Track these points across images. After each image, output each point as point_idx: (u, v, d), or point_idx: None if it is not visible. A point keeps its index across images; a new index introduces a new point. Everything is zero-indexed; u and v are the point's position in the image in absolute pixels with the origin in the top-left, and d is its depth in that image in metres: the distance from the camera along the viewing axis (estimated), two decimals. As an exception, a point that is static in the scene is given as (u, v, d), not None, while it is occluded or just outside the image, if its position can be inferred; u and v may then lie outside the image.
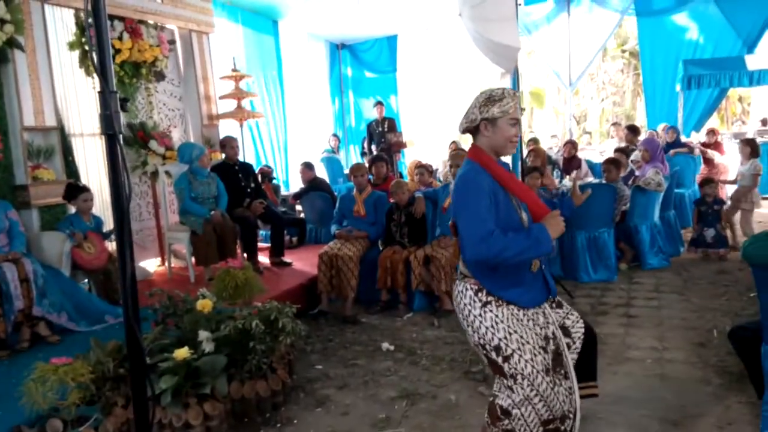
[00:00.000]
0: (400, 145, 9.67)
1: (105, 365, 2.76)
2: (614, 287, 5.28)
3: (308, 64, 10.97)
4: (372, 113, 10.48)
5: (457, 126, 2.31)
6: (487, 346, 2.16)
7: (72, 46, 5.42)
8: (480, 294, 2.18)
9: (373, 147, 10.02)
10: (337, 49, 11.93)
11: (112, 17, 5.55)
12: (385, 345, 4.14)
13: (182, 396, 2.84)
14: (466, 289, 2.21)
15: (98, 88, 5.45)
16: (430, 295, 4.95)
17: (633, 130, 8.68)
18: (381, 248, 5.23)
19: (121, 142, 1.54)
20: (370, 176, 6.49)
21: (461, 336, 4.21)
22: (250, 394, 3.06)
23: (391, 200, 5.37)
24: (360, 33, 11.26)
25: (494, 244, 1.99)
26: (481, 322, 2.16)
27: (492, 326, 2.14)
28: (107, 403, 2.78)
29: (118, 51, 5.59)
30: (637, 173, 6.39)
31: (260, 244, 6.11)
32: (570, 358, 2.25)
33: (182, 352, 2.86)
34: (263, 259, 6.01)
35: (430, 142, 11.45)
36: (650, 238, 5.88)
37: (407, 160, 10.26)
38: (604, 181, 5.94)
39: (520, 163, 5.28)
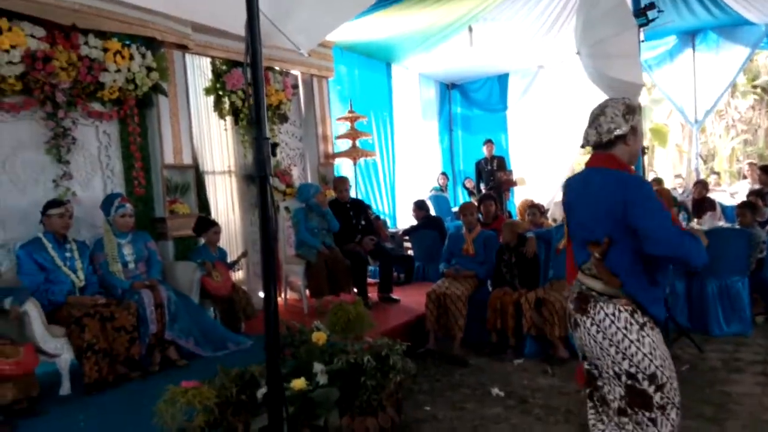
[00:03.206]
0: (510, 183, 9.52)
1: (229, 390, 2.92)
2: (750, 342, 4.81)
3: (418, 103, 11.18)
4: (481, 151, 10.45)
5: (583, 142, 2.18)
6: (640, 375, 1.99)
7: (208, 91, 5.95)
8: (636, 315, 2.02)
9: (482, 185, 9.94)
10: (447, 89, 12.08)
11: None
12: (495, 390, 4.03)
13: (297, 426, 2.92)
14: (620, 312, 2.03)
15: (230, 130, 5.84)
16: (542, 341, 4.75)
17: (767, 171, 7.96)
18: (491, 289, 5.14)
19: (271, 183, 1.65)
20: (480, 215, 6.44)
21: (577, 386, 4.01)
22: (360, 429, 3.09)
23: (502, 240, 5.29)
24: (471, 73, 11.35)
25: (687, 241, 1.94)
26: (638, 348, 1.99)
27: (650, 352, 1.99)
28: (229, 427, 2.91)
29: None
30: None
31: (369, 280, 6.23)
32: None
33: (299, 383, 2.95)
34: (371, 294, 6.10)
35: (542, 182, 11.12)
36: (790, 289, 5.31)
37: (517, 199, 10.05)
38: (737, 226, 5.48)
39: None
